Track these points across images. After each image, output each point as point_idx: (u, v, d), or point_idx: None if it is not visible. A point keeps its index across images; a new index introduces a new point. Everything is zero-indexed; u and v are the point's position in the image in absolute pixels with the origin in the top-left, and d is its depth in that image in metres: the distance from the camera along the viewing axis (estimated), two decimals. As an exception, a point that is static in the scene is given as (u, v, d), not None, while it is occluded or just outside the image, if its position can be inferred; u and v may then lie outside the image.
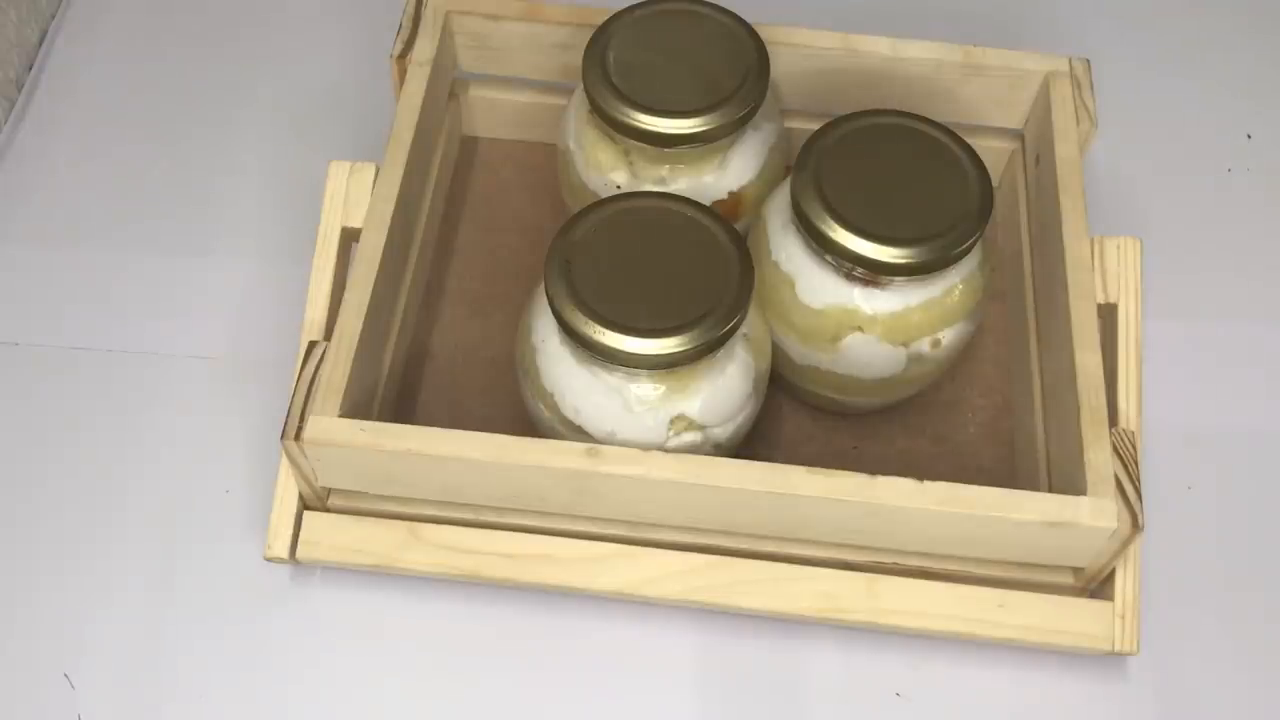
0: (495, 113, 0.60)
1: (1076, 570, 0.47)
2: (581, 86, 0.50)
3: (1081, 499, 0.44)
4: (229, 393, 0.54)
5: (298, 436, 0.44)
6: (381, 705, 0.47)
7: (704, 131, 0.48)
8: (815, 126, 0.48)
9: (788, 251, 0.47)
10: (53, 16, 0.66)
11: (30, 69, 0.64)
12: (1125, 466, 0.45)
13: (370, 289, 0.47)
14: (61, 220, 0.59)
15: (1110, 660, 0.49)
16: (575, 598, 0.49)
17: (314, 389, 0.45)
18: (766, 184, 0.51)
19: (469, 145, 0.61)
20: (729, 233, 0.45)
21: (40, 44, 0.65)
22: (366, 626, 0.49)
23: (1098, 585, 0.47)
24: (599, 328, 0.43)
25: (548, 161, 0.57)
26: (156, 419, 0.53)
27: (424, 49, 0.53)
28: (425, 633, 0.49)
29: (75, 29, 0.66)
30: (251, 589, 0.49)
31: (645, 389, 0.44)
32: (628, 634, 0.49)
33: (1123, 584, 0.46)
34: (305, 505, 0.48)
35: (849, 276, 0.46)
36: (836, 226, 0.45)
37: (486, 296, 0.56)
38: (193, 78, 0.64)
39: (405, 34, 0.54)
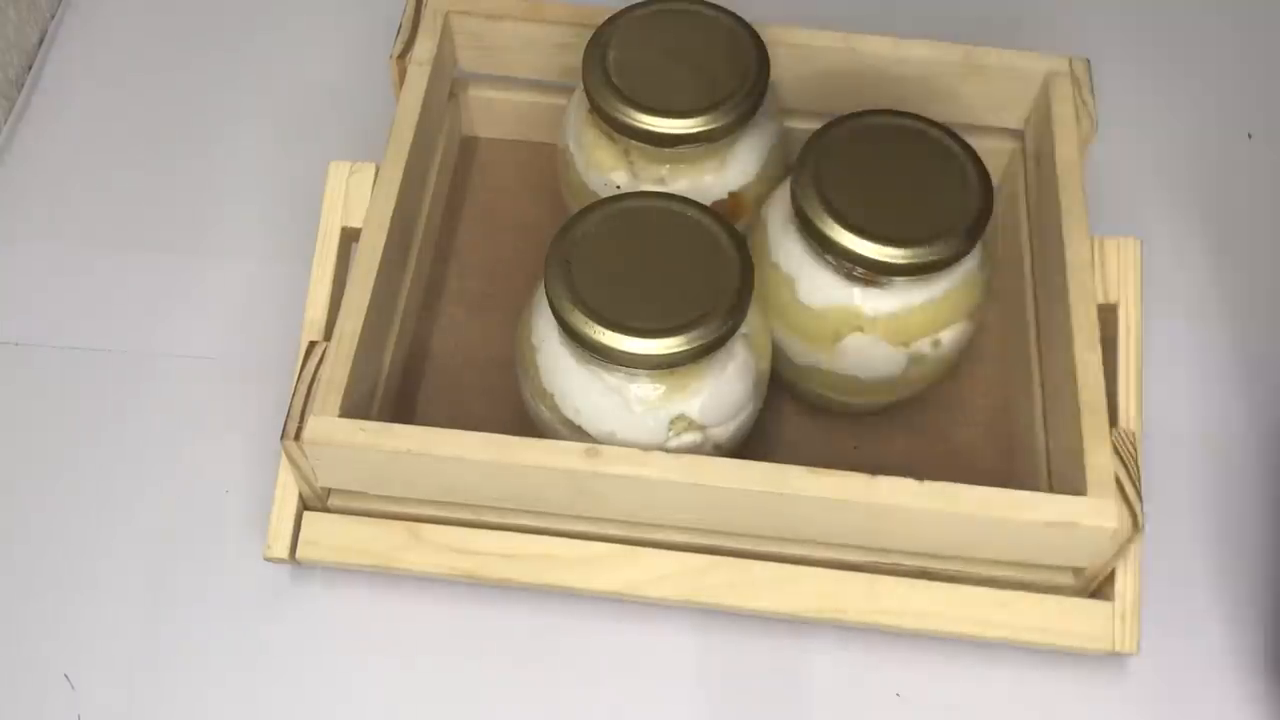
0: (495, 113, 0.60)
1: (1076, 570, 0.47)
2: (581, 86, 0.50)
3: (1081, 499, 0.44)
4: (229, 393, 0.54)
5: (298, 436, 0.44)
6: (381, 705, 0.47)
7: (704, 131, 0.48)
8: (815, 126, 0.48)
9: (788, 251, 0.47)
10: (52, 16, 0.66)
11: (30, 69, 0.64)
12: (1125, 466, 0.45)
13: (370, 289, 0.47)
14: (61, 220, 0.59)
15: (1110, 660, 0.49)
16: (575, 598, 0.49)
17: (314, 389, 0.45)
18: (766, 184, 0.51)
19: (469, 145, 0.61)
20: (729, 233, 0.45)
21: (40, 44, 0.65)
22: (366, 626, 0.49)
23: (1098, 585, 0.47)
24: (599, 328, 0.43)
25: (548, 161, 0.57)
26: (156, 419, 0.53)
27: (424, 49, 0.53)
28: (425, 633, 0.49)
29: (75, 29, 0.66)
30: (251, 589, 0.49)
31: (645, 389, 0.44)
32: (628, 634, 0.49)
33: (1123, 584, 0.46)
34: (305, 505, 0.48)
35: (849, 276, 0.46)
36: (836, 226, 0.45)
37: (486, 296, 0.56)
38: (192, 78, 0.64)
39: (405, 34, 0.54)
